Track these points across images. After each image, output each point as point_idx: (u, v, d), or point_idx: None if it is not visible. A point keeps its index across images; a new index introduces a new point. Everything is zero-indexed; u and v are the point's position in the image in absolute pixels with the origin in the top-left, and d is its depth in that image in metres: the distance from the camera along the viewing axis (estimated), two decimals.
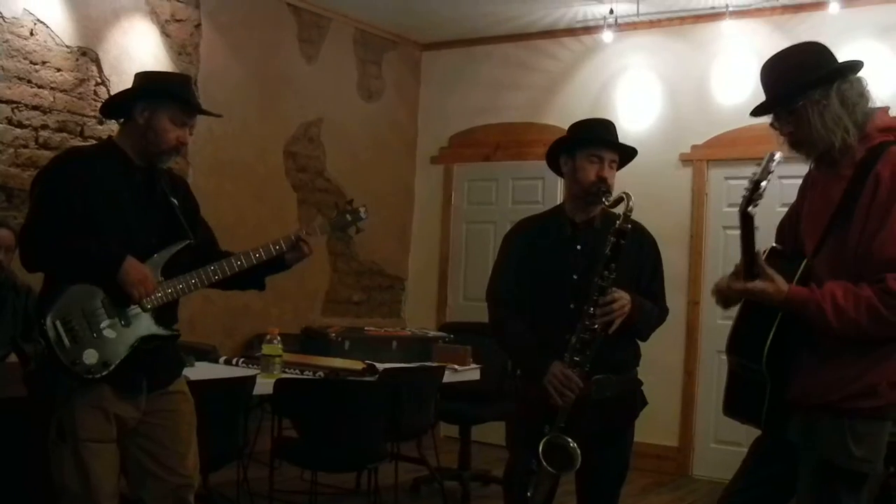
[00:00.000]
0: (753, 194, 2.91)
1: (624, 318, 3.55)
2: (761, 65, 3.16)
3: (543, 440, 3.55)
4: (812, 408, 2.97)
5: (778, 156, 2.95)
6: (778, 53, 3.14)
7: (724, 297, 3.24)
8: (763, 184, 2.91)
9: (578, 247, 3.71)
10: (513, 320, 3.82)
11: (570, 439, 3.53)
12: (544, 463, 3.53)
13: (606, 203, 3.64)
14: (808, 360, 2.99)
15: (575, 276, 3.63)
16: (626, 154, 3.83)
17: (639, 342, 3.85)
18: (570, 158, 3.77)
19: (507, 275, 3.88)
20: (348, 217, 3.96)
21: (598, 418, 3.63)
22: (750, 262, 3.00)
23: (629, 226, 3.54)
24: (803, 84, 2.99)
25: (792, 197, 3.36)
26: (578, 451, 3.51)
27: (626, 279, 3.64)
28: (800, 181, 3.31)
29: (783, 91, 3.05)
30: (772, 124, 3.15)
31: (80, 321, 3.36)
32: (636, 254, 3.75)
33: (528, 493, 3.62)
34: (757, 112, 3.16)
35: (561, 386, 3.54)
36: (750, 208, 2.92)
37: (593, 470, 3.72)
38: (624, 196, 3.57)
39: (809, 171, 3.23)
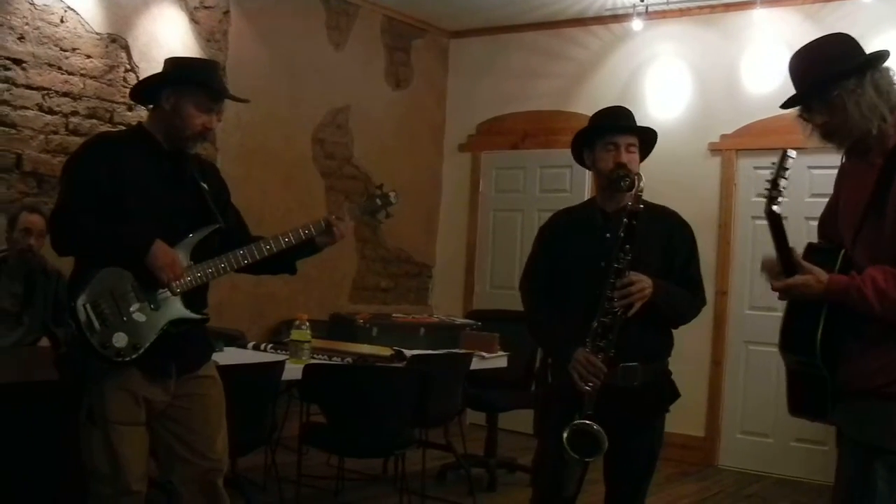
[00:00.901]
0: (773, 192, 2.97)
1: (645, 301, 3.55)
2: (789, 57, 3.17)
3: (568, 427, 3.54)
4: (858, 393, 2.98)
5: (792, 153, 3.00)
6: (806, 45, 3.15)
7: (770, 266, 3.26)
8: (781, 181, 2.97)
9: (608, 235, 3.71)
10: (542, 309, 3.83)
11: (594, 424, 3.52)
12: (569, 450, 3.53)
13: (623, 187, 3.64)
14: (853, 346, 3.00)
15: (603, 264, 3.63)
16: (647, 137, 3.83)
17: (673, 333, 3.84)
18: (591, 151, 3.80)
19: (539, 265, 3.90)
20: (378, 201, 3.96)
21: (625, 406, 3.62)
22: (787, 259, 3.02)
23: (641, 206, 3.55)
24: (837, 73, 3.01)
25: (821, 187, 3.37)
26: (604, 435, 3.50)
27: (657, 265, 3.65)
28: (828, 171, 3.32)
29: (816, 81, 3.05)
30: (801, 115, 3.15)
31: (110, 304, 3.38)
32: (667, 239, 3.76)
33: (560, 483, 3.62)
34: (788, 104, 3.16)
35: (585, 371, 3.54)
36: (774, 207, 2.97)
37: (621, 459, 3.71)
38: (635, 178, 3.60)
39: (842, 164, 3.24)
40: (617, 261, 3.52)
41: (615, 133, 3.74)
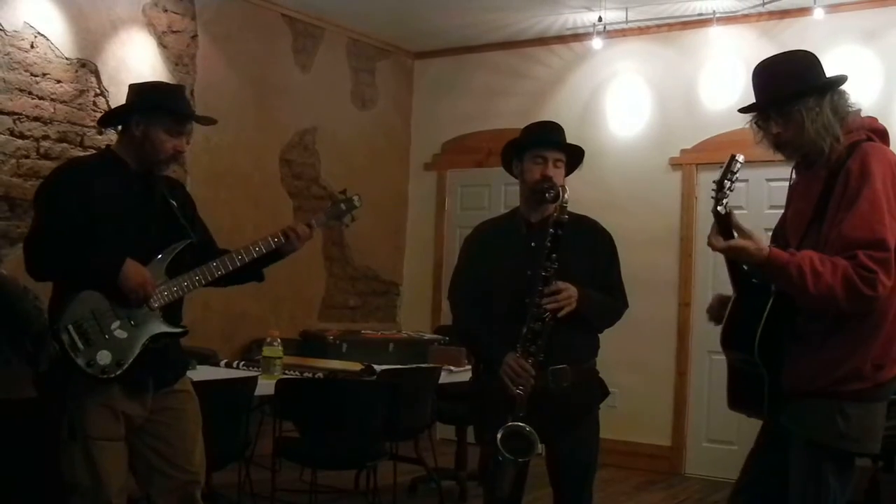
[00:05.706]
0: (718, 194, 3.11)
1: (572, 308, 3.70)
2: (753, 67, 3.32)
3: (501, 429, 3.66)
4: (803, 394, 3.12)
5: (741, 158, 3.14)
6: (771, 58, 3.30)
7: (716, 314, 3.41)
8: (726, 183, 3.11)
9: (533, 244, 3.85)
10: (471, 317, 3.99)
11: (525, 425, 3.65)
12: (502, 450, 3.65)
13: (549, 198, 3.79)
14: (794, 349, 3.15)
15: (529, 272, 3.77)
16: (574, 154, 4.00)
17: (598, 335, 4.01)
18: (519, 162, 3.99)
19: (466, 275, 4.07)
20: (343, 206, 4.14)
21: (557, 407, 3.77)
22: (726, 225, 3.11)
23: (566, 217, 3.70)
24: (799, 90, 3.15)
25: (779, 199, 3.50)
26: (536, 436, 3.63)
27: (582, 273, 3.82)
28: (786, 183, 3.47)
29: (778, 94, 3.20)
30: (756, 123, 3.29)
31: (91, 324, 3.47)
32: (591, 248, 3.94)
33: (495, 484, 3.76)
34: (746, 110, 3.31)
35: (515, 375, 3.68)
36: (718, 208, 3.10)
37: (560, 460, 3.91)
38: (560, 190, 3.75)
39: (791, 178, 3.39)
40: (544, 269, 3.68)
41: (544, 147, 3.92)
